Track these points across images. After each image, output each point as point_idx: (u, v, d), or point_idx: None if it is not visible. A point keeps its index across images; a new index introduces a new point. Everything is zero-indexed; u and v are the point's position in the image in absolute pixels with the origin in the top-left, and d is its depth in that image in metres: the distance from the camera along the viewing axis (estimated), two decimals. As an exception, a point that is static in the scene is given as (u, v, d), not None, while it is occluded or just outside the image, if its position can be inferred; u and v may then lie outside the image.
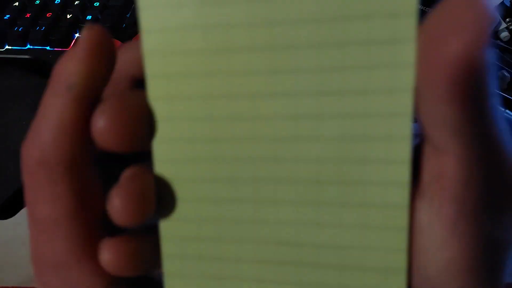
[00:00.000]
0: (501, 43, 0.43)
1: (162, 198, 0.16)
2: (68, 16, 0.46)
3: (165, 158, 0.15)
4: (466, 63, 0.11)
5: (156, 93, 0.15)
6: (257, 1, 0.14)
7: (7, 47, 0.45)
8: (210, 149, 0.15)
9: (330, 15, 0.13)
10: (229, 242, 0.16)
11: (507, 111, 0.37)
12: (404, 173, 0.14)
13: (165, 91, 0.15)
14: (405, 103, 0.13)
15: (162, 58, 0.15)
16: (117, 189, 0.15)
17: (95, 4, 0.47)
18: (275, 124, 0.14)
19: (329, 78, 0.13)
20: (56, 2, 0.48)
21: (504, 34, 0.43)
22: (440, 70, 0.12)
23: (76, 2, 0.47)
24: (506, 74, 0.40)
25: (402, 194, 0.14)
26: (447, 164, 0.13)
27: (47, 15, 0.46)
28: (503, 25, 0.44)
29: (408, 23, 0.13)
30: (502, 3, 0.45)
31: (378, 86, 0.13)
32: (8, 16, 0.46)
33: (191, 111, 0.15)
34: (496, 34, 0.43)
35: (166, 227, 0.16)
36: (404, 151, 0.13)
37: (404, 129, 0.13)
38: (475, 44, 0.11)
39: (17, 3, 0.48)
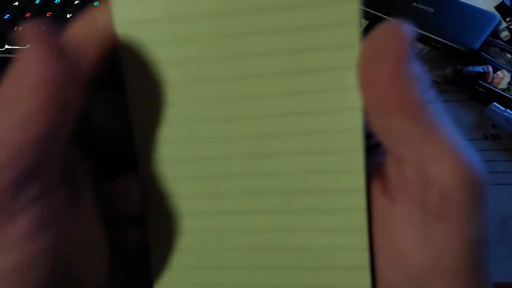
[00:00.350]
0: (501, 43, 0.43)
1: (151, 213, 0.17)
2: (68, 16, 0.46)
3: (152, 176, 0.17)
4: (393, 76, 0.13)
5: (140, 130, 0.16)
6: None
7: (7, 47, 0.45)
8: (190, 169, 0.17)
9: (288, 47, 0.15)
10: (211, 251, 0.17)
11: (507, 110, 0.37)
12: (359, 180, 0.15)
13: (144, 118, 0.16)
14: (356, 119, 0.15)
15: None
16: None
17: (95, 4, 0.47)
18: (246, 142, 0.16)
19: (290, 101, 0.15)
20: (56, 2, 0.48)
21: (504, 34, 0.43)
22: (374, 88, 0.14)
23: (76, 2, 0.47)
24: (506, 73, 0.40)
25: (359, 199, 0.15)
26: (406, 171, 0.14)
27: (47, 15, 0.46)
28: (503, 24, 0.44)
29: (351, 53, 0.15)
30: (502, 3, 0.45)
31: (332, 106, 0.15)
32: (8, 16, 0.46)
33: (170, 134, 0.16)
34: (496, 33, 0.43)
35: (154, 240, 0.17)
36: (358, 162, 0.15)
37: (357, 143, 0.15)
38: (397, 60, 0.13)
39: (17, 3, 0.48)
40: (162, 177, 0.17)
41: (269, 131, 0.16)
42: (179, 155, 0.16)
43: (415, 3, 0.44)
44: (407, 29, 0.13)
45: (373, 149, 0.16)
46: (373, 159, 0.16)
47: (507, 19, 0.44)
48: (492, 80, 0.40)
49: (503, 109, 0.38)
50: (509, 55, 0.42)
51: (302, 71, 0.15)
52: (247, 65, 0.15)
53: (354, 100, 0.15)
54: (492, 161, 0.37)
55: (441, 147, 0.13)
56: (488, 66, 0.40)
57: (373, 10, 0.44)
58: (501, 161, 0.37)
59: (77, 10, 0.46)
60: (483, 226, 0.14)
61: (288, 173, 0.16)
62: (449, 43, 0.41)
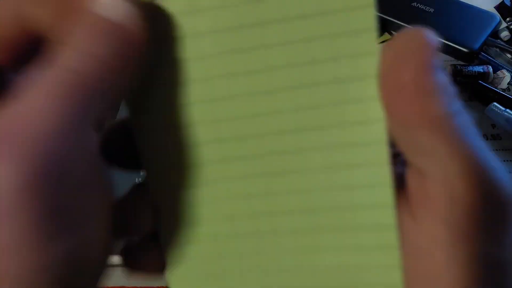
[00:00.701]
0: (501, 43, 0.43)
1: (169, 238, 0.17)
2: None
3: (166, 200, 0.16)
4: (417, 88, 0.12)
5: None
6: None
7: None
8: (206, 191, 0.16)
9: (302, 59, 0.14)
10: (234, 275, 0.16)
11: (507, 110, 0.37)
12: (387, 195, 0.14)
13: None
14: (379, 131, 0.14)
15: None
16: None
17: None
18: (264, 161, 0.15)
19: (308, 116, 0.15)
20: (56, 1, 0.48)
21: (504, 34, 0.43)
22: (397, 99, 0.13)
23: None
24: (506, 73, 0.40)
25: (389, 214, 0.15)
26: (429, 186, 0.13)
27: (47, 14, 0.46)
28: (503, 24, 0.44)
29: (370, 62, 0.14)
30: (502, 3, 0.45)
31: (353, 118, 0.14)
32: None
33: (183, 157, 0.16)
34: (496, 33, 0.43)
35: (173, 266, 0.17)
36: (385, 175, 0.14)
37: (382, 156, 0.14)
38: (421, 70, 0.12)
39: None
40: (177, 201, 0.16)
41: (288, 148, 0.15)
42: (194, 178, 0.16)
43: (415, 3, 0.44)
44: (431, 37, 0.13)
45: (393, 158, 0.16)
46: (393, 169, 0.15)
47: (507, 19, 0.44)
48: (492, 80, 0.40)
49: (503, 109, 0.38)
50: (509, 55, 0.42)
51: (319, 84, 0.14)
52: (259, 81, 0.15)
53: (376, 111, 0.14)
54: (492, 161, 0.37)
55: (468, 163, 0.12)
56: (488, 66, 0.40)
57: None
58: (501, 161, 0.37)
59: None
60: (510, 247, 0.13)
61: (311, 190, 0.15)
62: (449, 43, 0.41)
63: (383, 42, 0.44)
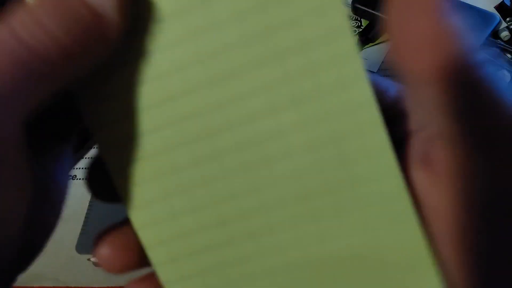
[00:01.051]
0: (501, 43, 0.43)
1: (158, 251, 0.15)
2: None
3: (149, 219, 0.15)
4: (426, 34, 0.10)
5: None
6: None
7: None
8: (185, 200, 0.15)
9: (257, 28, 0.13)
10: (238, 281, 0.15)
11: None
12: (388, 159, 0.13)
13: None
14: (363, 92, 0.12)
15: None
16: (105, 238, 0.15)
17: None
18: (243, 152, 0.14)
19: (278, 91, 0.13)
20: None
21: (504, 34, 0.43)
22: (407, 49, 0.11)
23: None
24: (506, 73, 0.40)
25: (396, 181, 0.13)
26: (445, 154, 0.12)
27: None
28: (503, 24, 0.44)
29: (335, 14, 0.12)
30: (502, 3, 0.45)
31: (329, 81, 0.13)
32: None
33: (159, 165, 0.14)
34: (496, 33, 0.43)
35: (169, 284, 0.15)
36: (381, 139, 0.13)
37: (372, 117, 0.13)
38: (429, 13, 0.10)
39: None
40: (159, 216, 0.15)
41: (262, 131, 0.13)
42: (169, 188, 0.15)
43: (415, 3, 0.44)
44: None
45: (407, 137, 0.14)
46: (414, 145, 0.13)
47: (507, 19, 0.44)
48: (492, 80, 0.40)
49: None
50: (509, 55, 0.42)
51: (283, 52, 0.13)
52: (214, 66, 0.13)
53: (353, 70, 0.12)
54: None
55: (504, 124, 0.11)
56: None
57: (372, 9, 0.44)
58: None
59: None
60: None
61: (299, 174, 0.14)
62: (449, 43, 0.41)
63: (384, 42, 0.44)
